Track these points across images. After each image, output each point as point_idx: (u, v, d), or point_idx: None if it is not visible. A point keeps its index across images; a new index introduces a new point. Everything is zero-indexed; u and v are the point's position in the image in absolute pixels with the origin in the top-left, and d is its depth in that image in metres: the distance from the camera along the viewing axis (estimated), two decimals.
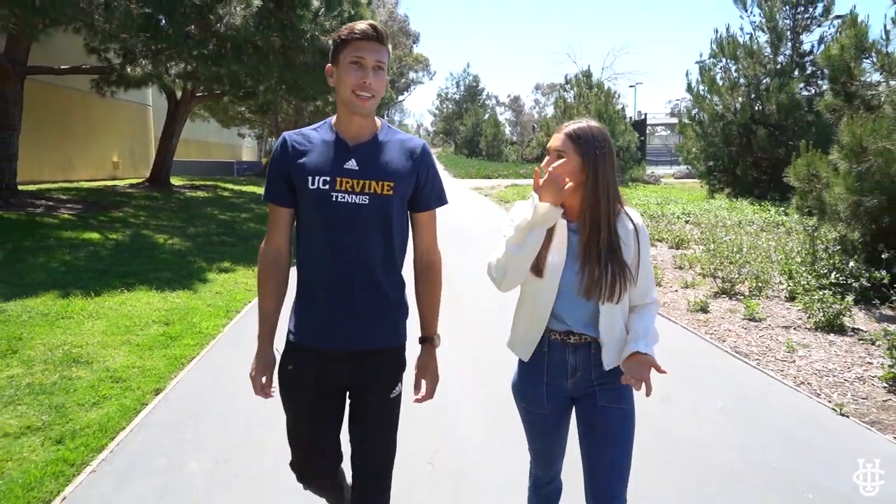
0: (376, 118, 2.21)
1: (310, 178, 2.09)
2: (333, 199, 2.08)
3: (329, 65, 2.13)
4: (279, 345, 2.28)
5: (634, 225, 2.21)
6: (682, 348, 6.05)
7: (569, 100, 34.38)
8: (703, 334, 6.46)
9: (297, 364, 2.20)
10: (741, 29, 19.06)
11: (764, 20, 18.07)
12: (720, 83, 18.31)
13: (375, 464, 2.24)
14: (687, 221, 14.29)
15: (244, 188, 23.15)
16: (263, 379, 2.25)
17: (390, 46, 2.12)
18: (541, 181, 2.12)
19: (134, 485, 3.44)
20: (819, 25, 17.93)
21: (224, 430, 4.09)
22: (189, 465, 3.65)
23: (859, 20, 7.77)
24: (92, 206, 13.60)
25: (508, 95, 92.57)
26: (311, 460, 2.31)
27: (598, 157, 2.13)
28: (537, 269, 2.17)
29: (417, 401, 2.32)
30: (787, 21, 18.08)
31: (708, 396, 4.80)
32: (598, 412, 2.21)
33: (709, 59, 18.95)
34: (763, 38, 18.25)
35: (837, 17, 16.72)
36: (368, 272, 2.14)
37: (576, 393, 2.26)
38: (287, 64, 12.33)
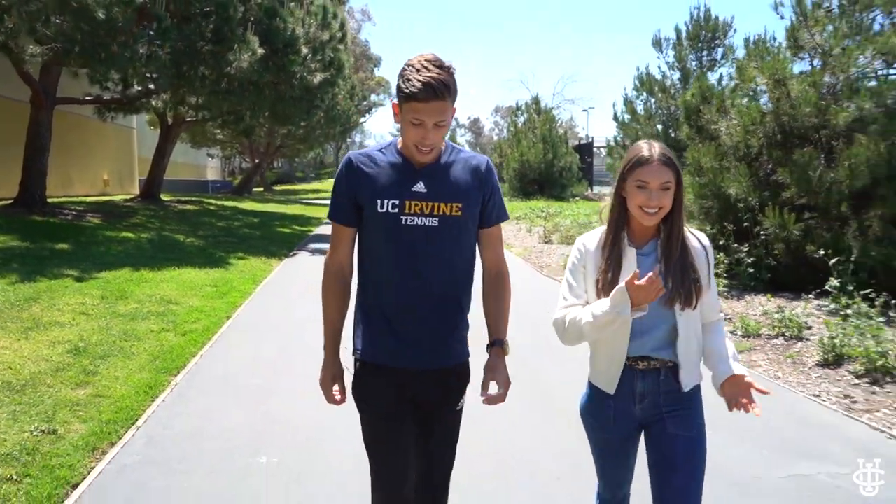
0: None
1: (378, 201, 2.10)
2: (403, 222, 2.09)
3: (394, 102, 2.09)
4: (347, 363, 2.31)
5: (702, 243, 2.22)
6: None
7: (519, 125, 37.59)
8: None
9: (375, 382, 2.21)
10: (658, 68, 22.56)
11: (675, 61, 21.55)
12: (640, 113, 21.64)
13: (438, 476, 2.33)
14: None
15: (226, 203, 25.74)
16: (335, 388, 2.28)
17: (454, 94, 2.03)
18: (637, 282, 1.97)
19: (235, 354, 6.20)
20: (721, 66, 21.42)
21: (278, 334, 6.86)
22: (264, 349, 6.41)
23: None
24: (108, 216, 16.08)
25: (468, 117, 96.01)
26: (397, 475, 2.22)
27: (680, 177, 2.13)
28: None
29: (487, 400, 2.23)
30: (695, 62, 21.57)
31: None
32: (666, 440, 2.18)
33: (633, 92, 22.31)
34: (675, 76, 21.70)
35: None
36: (438, 293, 2.17)
37: (645, 419, 2.23)
38: (278, 97, 15.16)
